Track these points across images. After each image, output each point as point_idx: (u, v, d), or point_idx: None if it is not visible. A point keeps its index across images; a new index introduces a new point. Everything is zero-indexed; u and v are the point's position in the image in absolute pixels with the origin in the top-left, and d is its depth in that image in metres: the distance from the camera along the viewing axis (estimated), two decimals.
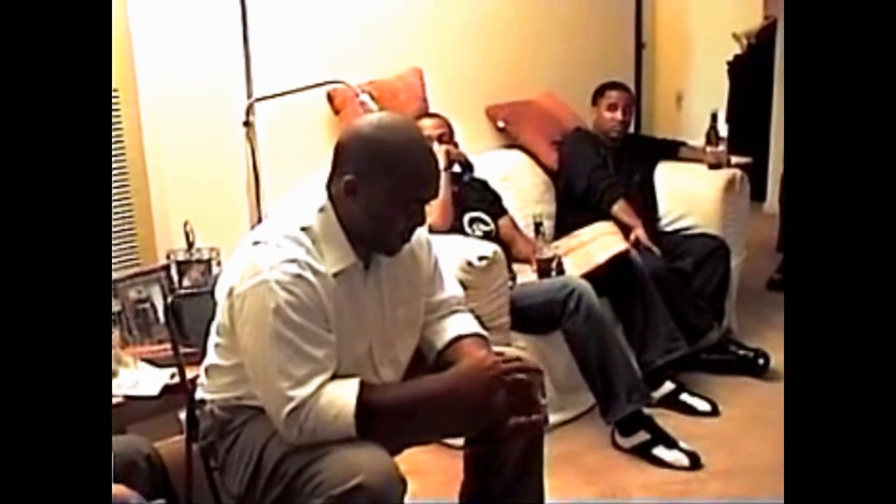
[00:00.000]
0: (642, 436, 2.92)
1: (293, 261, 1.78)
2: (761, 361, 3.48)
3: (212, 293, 1.98)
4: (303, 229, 1.83)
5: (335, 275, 1.84)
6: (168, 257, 2.86)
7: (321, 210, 1.87)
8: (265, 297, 1.75)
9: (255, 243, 1.84)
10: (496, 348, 2.08)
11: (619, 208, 3.62)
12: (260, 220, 2.90)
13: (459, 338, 2.04)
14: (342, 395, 1.77)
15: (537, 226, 3.29)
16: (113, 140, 2.88)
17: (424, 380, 1.91)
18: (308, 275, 1.78)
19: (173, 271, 2.83)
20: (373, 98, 2.92)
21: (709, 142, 3.92)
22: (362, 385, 1.80)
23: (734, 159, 3.98)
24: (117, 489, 1.76)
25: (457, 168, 3.24)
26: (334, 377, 1.79)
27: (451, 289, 2.13)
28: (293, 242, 1.81)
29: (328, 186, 1.90)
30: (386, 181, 1.82)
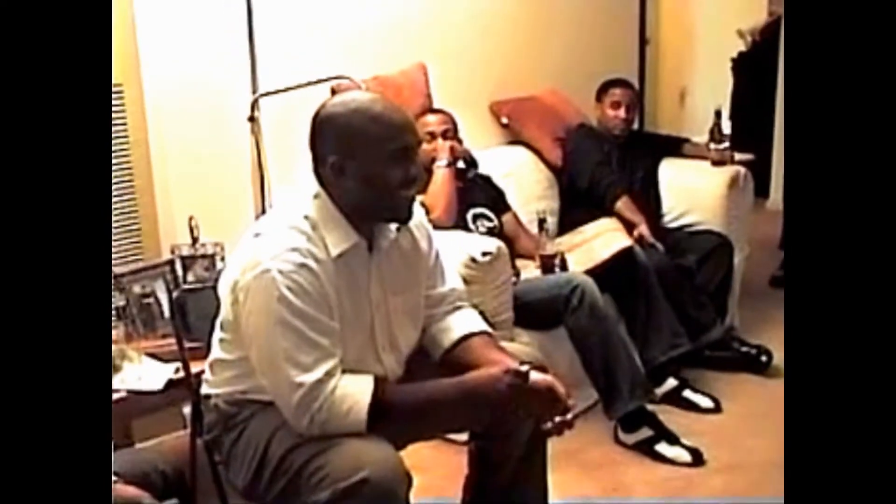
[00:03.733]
0: (645, 432, 2.93)
1: (295, 249, 1.79)
2: (764, 358, 3.49)
3: (215, 288, 1.99)
4: (302, 218, 1.85)
5: (339, 256, 1.85)
6: (172, 252, 2.86)
7: (315, 197, 1.89)
8: (268, 287, 1.76)
9: (256, 235, 1.85)
10: (504, 343, 2.09)
11: (622, 205, 3.62)
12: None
13: (467, 337, 2.05)
14: (357, 391, 1.78)
15: (541, 222, 3.29)
16: (117, 135, 2.88)
17: (440, 383, 1.89)
18: (310, 263, 1.79)
19: (178, 266, 2.83)
20: None
21: (712, 139, 3.92)
22: (376, 382, 1.80)
23: (738, 156, 3.99)
24: (129, 490, 1.76)
25: (461, 164, 3.24)
26: (343, 371, 1.80)
27: (452, 282, 2.14)
28: (294, 232, 1.82)
29: (317, 175, 1.91)
30: (365, 144, 1.83)
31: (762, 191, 5.24)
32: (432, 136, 3.19)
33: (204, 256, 2.83)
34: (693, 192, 3.86)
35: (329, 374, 1.77)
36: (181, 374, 2.30)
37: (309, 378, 1.75)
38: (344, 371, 1.81)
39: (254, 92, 3.08)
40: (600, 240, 3.34)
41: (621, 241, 3.29)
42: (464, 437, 2.27)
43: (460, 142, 3.31)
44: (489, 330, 2.09)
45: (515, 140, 4.01)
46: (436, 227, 2.22)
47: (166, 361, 2.50)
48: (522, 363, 1.89)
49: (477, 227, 3.24)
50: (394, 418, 1.80)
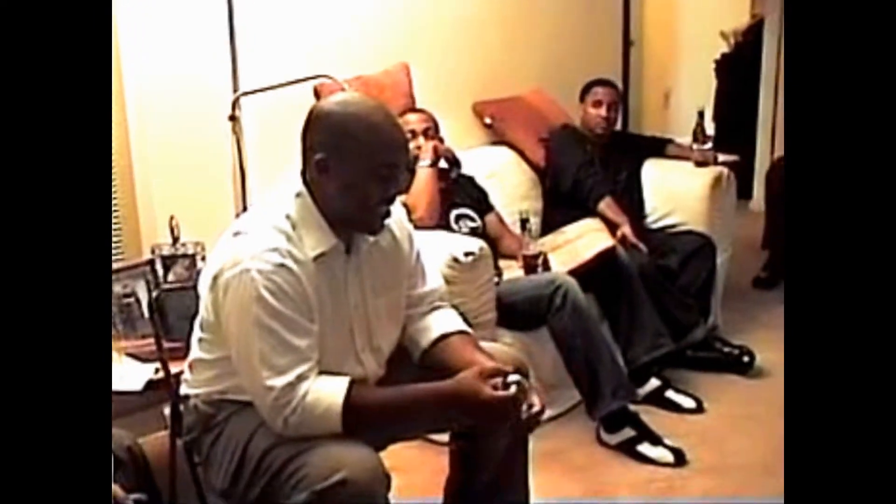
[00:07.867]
0: (627, 432, 2.92)
1: (274, 249, 1.77)
2: (746, 359, 3.49)
3: (195, 288, 1.97)
4: (283, 217, 1.83)
5: (317, 258, 1.83)
6: (153, 252, 2.84)
7: (298, 195, 1.87)
8: (247, 287, 1.74)
9: (236, 234, 1.84)
10: (484, 343, 2.08)
11: (605, 205, 3.63)
12: None
13: (444, 336, 2.03)
14: (330, 393, 1.76)
15: (524, 222, 3.29)
16: None
17: (417, 388, 1.85)
18: (290, 263, 1.77)
19: (158, 266, 2.81)
20: None
21: (696, 139, 3.93)
22: (351, 383, 1.79)
23: (721, 157, 4.00)
24: (114, 489, 1.76)
25: (444, 164, 3.23)
26: (321, 372, 1.79)
27: (433, 282, 2.12)
28: (274, 231, 1.80)
29: (303, 174, 1.89)
30: (355, 150, 1.81)
31: (745, 191, 5.26)
32: (413, 134, 3.18)
33: (184, 256, 2.81)
34: (676, 192, 3.87)
35: (301, 378, 1.75)
36: (161, 374, 2.28)
37: (280, 381, 1.74)
38: (324, 372, 1.79)
39: (235, 91, 3.06)
40: (583, 240, 3.34)
41: (604, 241, 3.29)
42: (445, 437, 2.27)
43: (441, 141, 3.30)
44: (467, 329, 2.08)
45: (499, 140, 4.00)
46: (418, 227, 2.22)
47: (146, 362, 2.49)
48: (505, 373, 1.83)
49: (460, 228, 3.24)
50: (369, 420, 1.78)
